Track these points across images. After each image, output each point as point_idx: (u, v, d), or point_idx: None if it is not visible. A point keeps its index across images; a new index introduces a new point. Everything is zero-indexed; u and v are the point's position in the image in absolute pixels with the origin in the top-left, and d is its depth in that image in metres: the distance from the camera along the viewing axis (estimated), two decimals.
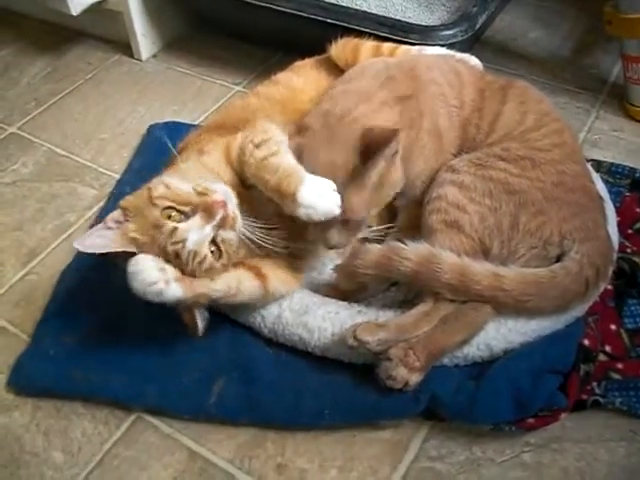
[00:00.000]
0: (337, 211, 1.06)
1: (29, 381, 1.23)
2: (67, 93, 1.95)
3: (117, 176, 1.65)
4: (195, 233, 1.06)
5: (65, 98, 1.93)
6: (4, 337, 1.32)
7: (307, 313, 1.19)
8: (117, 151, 1.73)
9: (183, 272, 1.07)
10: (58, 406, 1.20)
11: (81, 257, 1.41)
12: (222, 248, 1.09)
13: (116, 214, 1.11)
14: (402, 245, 1.13)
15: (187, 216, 1.07)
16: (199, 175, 1.13)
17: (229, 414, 1.16)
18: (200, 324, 1.14)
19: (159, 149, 1.58)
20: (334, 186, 1.07)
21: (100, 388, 1.19)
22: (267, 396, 1.16)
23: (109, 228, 1.09)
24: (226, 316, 1.25)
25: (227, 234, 1.09)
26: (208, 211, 1.06)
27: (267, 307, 1.21)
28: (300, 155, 1.11)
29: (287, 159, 1.09)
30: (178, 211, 1.07)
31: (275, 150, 1.10)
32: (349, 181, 1.10)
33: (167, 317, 1.23)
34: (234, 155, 1.16)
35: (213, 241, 1.08)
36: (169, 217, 1.07)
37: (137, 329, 1.26)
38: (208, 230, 1.07)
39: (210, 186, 1.09)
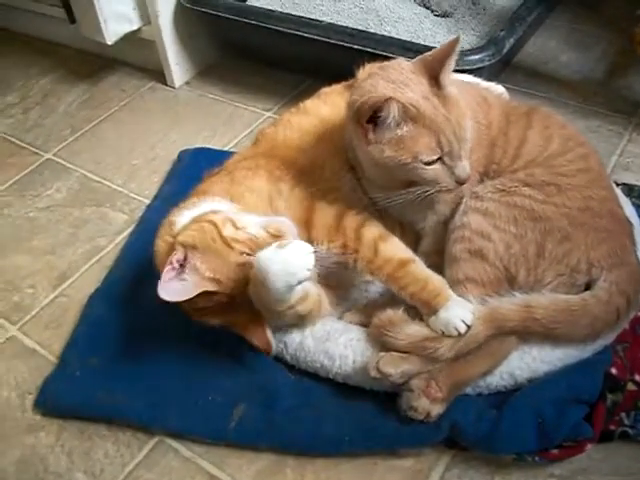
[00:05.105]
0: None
1: (55, 402, 1.25)
2: (102, 120, 2.00)
3: (147, 201, 1.68)
4: None
5: (100, 125, 1.98)
6: (34, 359, 1.35)
7: (329, 340, 1.19)
8: (148, 177, 1.77)
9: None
10: (82, 428, 1.22)
11: (109, 281, 1.44)
12: None
13: (180, 255, 1.09)
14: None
15: None
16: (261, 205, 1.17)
17: (249, 439, 1.16)
18: (272, 340, 1.16)
19: (189, 175, 1.62)
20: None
21: (123, 410, 1.21)
22: (287, 422, 1.16)
23: (181, 272, 1.08)
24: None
25: None
26: None
27: (289, 334, 1.22)
28: None
29: (427, 270, 1.15)
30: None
31: (411, 257, 1.16)
32: None
33: (191, 341, 1.25)
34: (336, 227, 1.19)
35: None
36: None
37: (162, 353, 1.27)
38: None
39: (281, 227, 1.11)
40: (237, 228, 1.10)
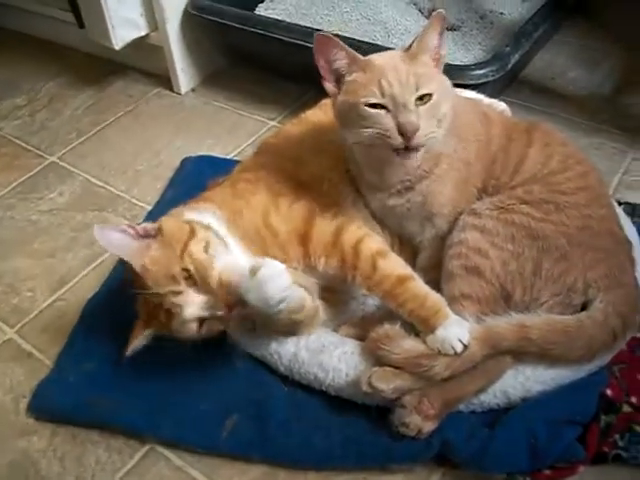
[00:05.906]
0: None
1: (48, 407, 1.25)
2: (107, 124, 2.01)
3: (149, 207, 1.68)
4: (193, 309, 1.09)
5: (105, 129, 1.99)
6: (30, 362, 1.35)
7: (323, 352, 1.19)
8: (151, 183, 1.77)
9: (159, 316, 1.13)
10: (75, 433, 1.22)
11: (107, 286, 1.44)
12: (205, 324, 1.13)
13: (151, 228, 1.14)
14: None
15: (197, 287, 1.10)
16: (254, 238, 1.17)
17: (241, 449, 1.16)
18: (134, 346, 1.18)
19: (191, 183, 1.62)
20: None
21: (116, 417, 1.21)
22: (279, 434, 1.15)
23: (135, 236, 1.13)
24: (243, 351, 1.25)
25: (215, 324, 1.13)
26: (214, 304, 1.09)
27: (284, 344, 1.22)
28: None
29: (425, 287, 1.14)
30: (193, 278, 1.09)
31: (410, 274, 1.16)
32: None
33: (187, 350, 1.25)
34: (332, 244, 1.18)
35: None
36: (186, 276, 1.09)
37: (156, 361, 1.27)
38: (205, 313, 1.10)
39: (234, 280, 1.09)
40: (206, 251, 1.10)
